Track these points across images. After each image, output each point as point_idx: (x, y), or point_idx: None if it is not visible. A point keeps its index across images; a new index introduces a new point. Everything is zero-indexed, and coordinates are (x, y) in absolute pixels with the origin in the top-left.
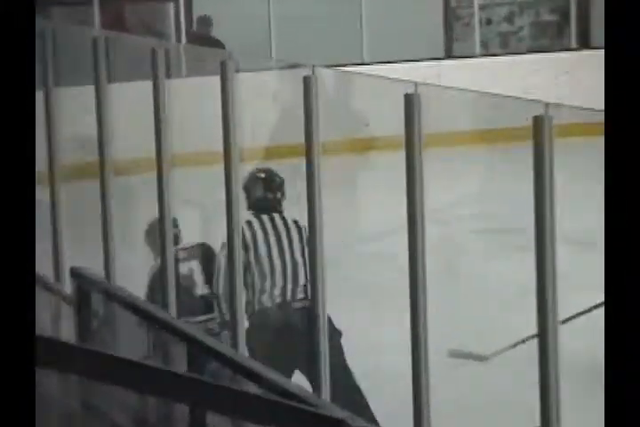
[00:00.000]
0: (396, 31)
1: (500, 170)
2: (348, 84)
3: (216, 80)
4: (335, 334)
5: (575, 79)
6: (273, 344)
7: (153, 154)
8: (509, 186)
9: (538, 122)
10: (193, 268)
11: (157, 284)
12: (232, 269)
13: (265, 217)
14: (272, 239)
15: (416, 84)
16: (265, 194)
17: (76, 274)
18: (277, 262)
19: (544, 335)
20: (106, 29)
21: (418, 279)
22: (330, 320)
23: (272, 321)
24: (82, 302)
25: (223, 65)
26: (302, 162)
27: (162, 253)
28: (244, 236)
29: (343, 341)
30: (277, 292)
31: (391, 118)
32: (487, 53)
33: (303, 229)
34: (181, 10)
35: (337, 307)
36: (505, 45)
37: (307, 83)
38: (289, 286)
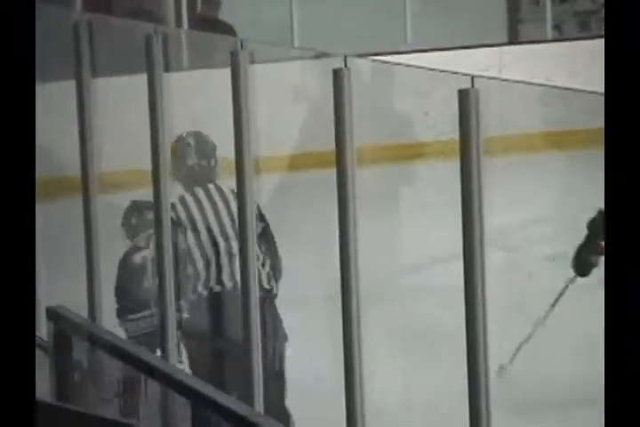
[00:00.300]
0: (447, 11)
1: (577, 182)
2: (389, 77)
3: (226, 73)
4: (280, 337)
5: None
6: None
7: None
8: (587, 200)
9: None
10: (146, 256)
11: (127, 265)
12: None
13: (199, 190)
14: (211, 216)
15: (472, 76)
16: (198, 161)
17: (53, 315)
18: (221, 242)
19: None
20: (89, 11)
21: (476, 320)
22: (277, 321)
23: (215, 310)
24: (60, 349)
25: (234, 55)
26: (332, 173)
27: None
28: (178, 216)
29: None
30: (226, 277)
31: (442, 119)
32: (562, 38)
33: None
34: None
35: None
36: (584, 28)
37: (338, 76)
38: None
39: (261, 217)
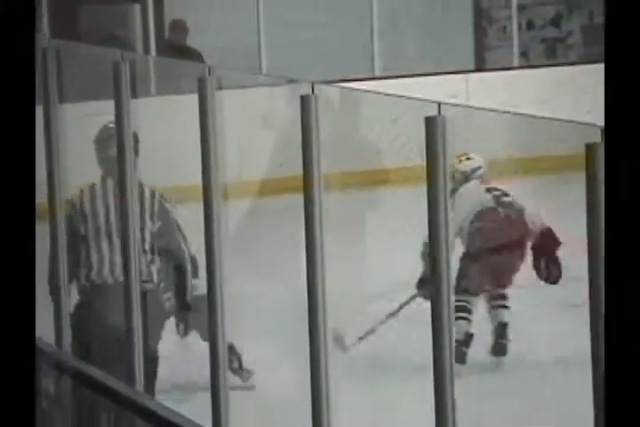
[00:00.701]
0: (415, 38)
1: (551, 208)
2: (356, 103)
3: (193, 99)
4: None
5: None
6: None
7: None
8: (563, 226)
9: (591, 150)
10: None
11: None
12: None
13: (111, 181)
14: (112, 208)
15: (439, 103)
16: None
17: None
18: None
19: None
20: (57, 37)
21: (443, 352)
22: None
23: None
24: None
25: (201, 81)
26: (300, 199)
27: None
28: (82, 203)
29: None
30: (106, 270)
31: (409, 145)
32: (529, 65)
33: (156, 196)
34: (150, 13)
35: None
36: (551, 55)
37: (305, 103)
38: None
39: (160, 215)
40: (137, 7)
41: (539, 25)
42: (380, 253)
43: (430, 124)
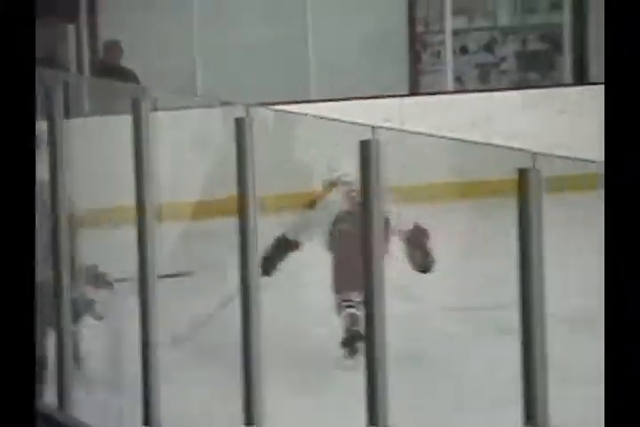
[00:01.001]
0: (350, 61)
1: (481, 232)
2: (291, 126)
3: (127, 120)
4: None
5: (572, 121)
6: None
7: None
8: (492, 252)
9: (523, 175)
10: None
11: None
12: None
13: None
14: None
15: (373, 127)
16: None
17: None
18: None
19: None
20: None
21: (375, 365)
22: None
23: None
24: None
25: (136, 102)
26: (234, 221)
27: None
28: None
29: None
30: None
31: (343, 169)
32: (462, 89)
33: None
34: (84, 34)
35: None
36: (484, 80)
37: (239, 125)
38: None
39: None
40: (71, 28)
41: (473, 50)
42: (314, 274)
43: (364, 147)
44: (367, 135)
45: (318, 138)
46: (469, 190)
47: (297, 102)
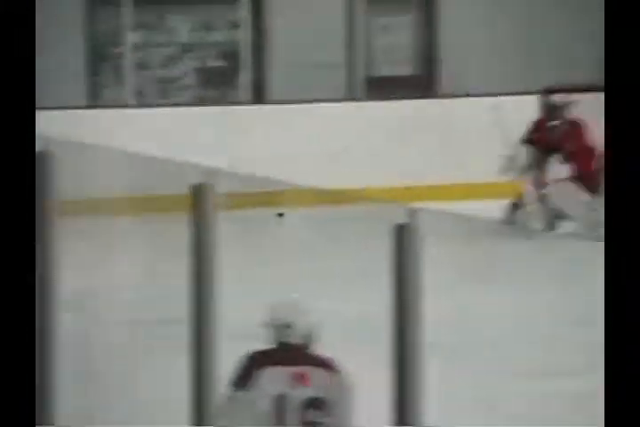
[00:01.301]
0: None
1: (158, 247)
2: None
3: None
4: None
5: (248, 139)
6: None
7: None
8: (167, 265)
9: (197, 191)
10: None
11: None
12: None
13: None
14: None
15: (49, 138)
16: None
17: None
18: None
19: None
20: None
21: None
22: None
23: None
24: None
25: None
26: None
27: None
28: None
29: None
30: None
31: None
32: (143, 104)
33: None
34: None
35: None
36: (165, 95)
37: None
38: None
39: None
40: None
41: (153, 65)
42: None
43: (41, 159)
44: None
45: None
46: (146, 205)
47: None
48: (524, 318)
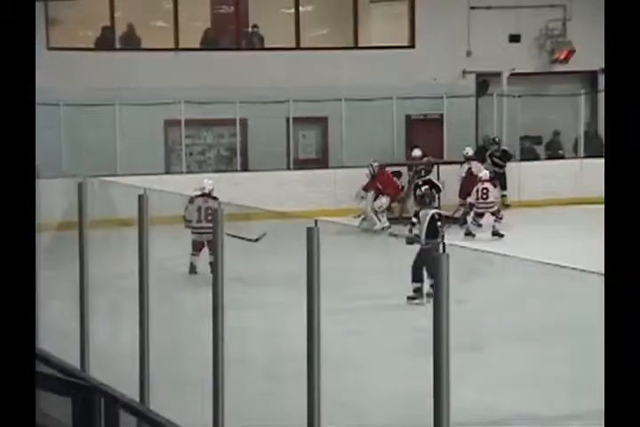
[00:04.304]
0: None
1: None
2: None
3: None
4: None
5: None
6: None
7: None
8: None
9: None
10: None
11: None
12: None
13: None
14: None
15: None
16: None
17: None
18: None
19: None
20: None
21: None
22: None
23: None
24: None
25: None
26: None
27: None
28: None
29: None
30: None
31: None
32: (191, 171)
33: None
34: None
35: None
36: (201, 167)
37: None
38: None
39: None
40: None
41: (195, 153)
42: None
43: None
44: None
45: None
46: None
47: None
48: None
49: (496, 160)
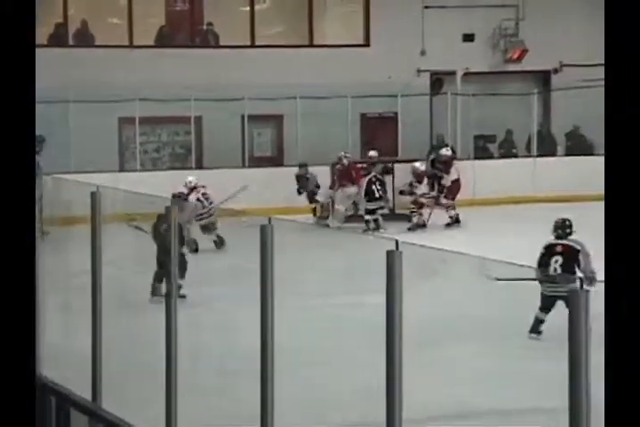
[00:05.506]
0: None
1: None
2: None
3: None
4: None
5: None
6: None
7: None
8: None
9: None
10: None
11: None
12: None
13: None
14: None
15: None
16: None
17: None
18: None
19: None
20: None
21: None
22: None
23: None
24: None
25: None
26: None
27: None
28: None
29: None
30: None
31: None
32: (143, 169)
33: None
34: None
35: None
36: (154, 165)
37: None
38: None
39: None
40: None
41: (150, 151)
42: None
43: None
44: None
45: None
46: None
47: None
48: None
49: (438, 166)
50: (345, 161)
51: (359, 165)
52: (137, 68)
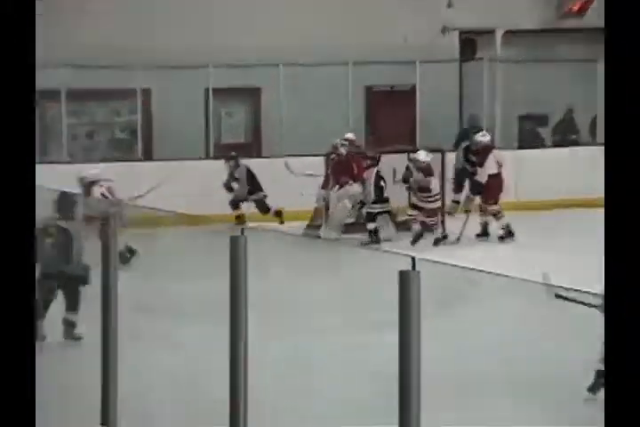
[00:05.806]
0: None
1: None
2: None
3: None
4: None
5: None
6: None
7: None
8: None
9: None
10: None
11: None
12: None
13: None
14: None
15: None
16: None
17: None
18: None
19: None
20: None
21: None
22: None
23: None
24: None
25: None
26: None
27: None
28: None
29: None
30: None
31: None
32: (74, 161)
33: None
34: None
35: None
36: (87, 155)
37: None
38: None
39: None
40: None
41: (81, 137)
42: None
43: None
44: None
45: None
46: None
47: None
48: None
49: (470, 157)
50: (342, 150)
51: (368, 156)
52: (60, 23)
